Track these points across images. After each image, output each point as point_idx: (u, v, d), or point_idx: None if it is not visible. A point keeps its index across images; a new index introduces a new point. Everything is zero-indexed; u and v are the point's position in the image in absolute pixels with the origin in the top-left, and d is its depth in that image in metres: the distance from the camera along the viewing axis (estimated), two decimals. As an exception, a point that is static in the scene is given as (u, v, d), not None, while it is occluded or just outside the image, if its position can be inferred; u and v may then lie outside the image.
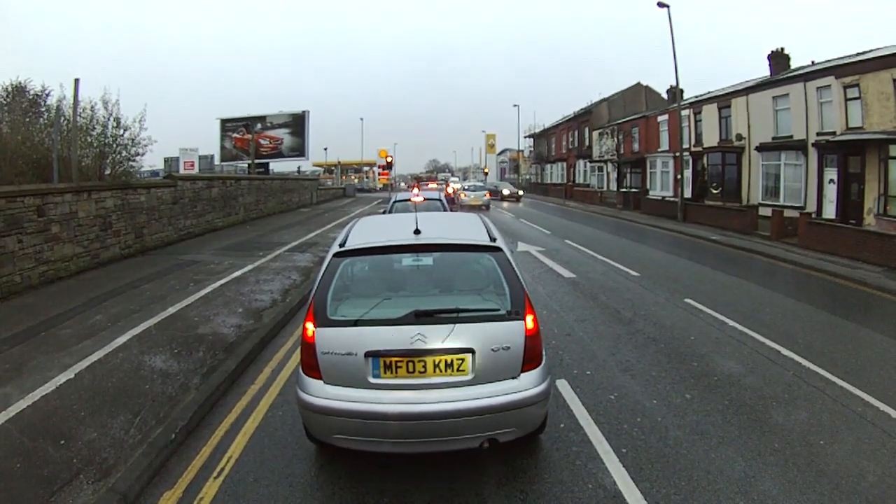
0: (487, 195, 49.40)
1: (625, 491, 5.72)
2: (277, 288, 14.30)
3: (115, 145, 20.62)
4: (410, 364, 5.51)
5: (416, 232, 6.32)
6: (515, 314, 5.76)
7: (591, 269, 18.32)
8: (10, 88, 20.88)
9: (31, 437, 6.57)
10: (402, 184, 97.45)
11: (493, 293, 6.09)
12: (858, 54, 27.36)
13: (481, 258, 6.50)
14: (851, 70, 25.86)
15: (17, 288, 13.44)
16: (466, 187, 54.97)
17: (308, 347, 5.71)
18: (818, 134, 28.11)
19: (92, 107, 20.03)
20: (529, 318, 5.77)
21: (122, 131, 20.76)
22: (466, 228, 7.14)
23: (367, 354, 5.49)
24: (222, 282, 14.81)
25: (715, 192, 36.19)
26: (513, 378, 5.61)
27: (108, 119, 20.31)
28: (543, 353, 5.94)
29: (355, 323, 5.67)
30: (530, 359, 5.70)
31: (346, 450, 5.83)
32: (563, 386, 8.30)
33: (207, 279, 15.08)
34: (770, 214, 27.69)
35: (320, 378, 5.64)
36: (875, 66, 24.53)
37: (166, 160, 60.82)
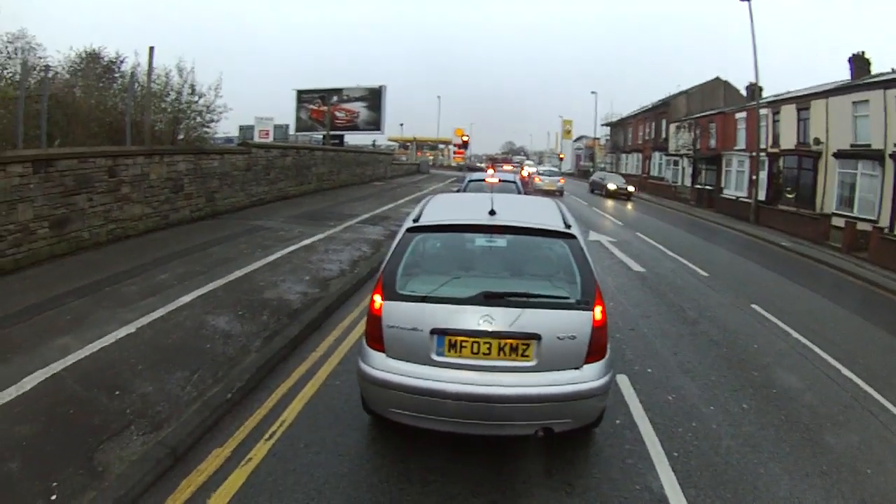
0: (562, 181, 47.84)
1: (671, 496, 5.74)
2: (346, 258, 14.45)
3: (189, 111, 20.95)
4: (475, 345, 5.46)
5: (492, 213, 6.27)
6: (585, 304, 5.66)
7: (660, 264, 18.16)
8: (83, 55, 21.26)
9: (86, 387, 6.74)
10: (478, 163, 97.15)
11: (564, 281, 5.99)
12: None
13: (554, 244, 6.37)
14: None
15: (85, 244, 13.85)
16: (541, 172, 53.32)
17: (374, 320, 5.70)
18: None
19: (167, 73, 20.41)
20: (598, 310, 5.66)
21: (196, 98, 21.08)
22: (541, 213, 6.99)
23: (433, 332, 5.48)
24: (291, 249, 15.02)
25: (789, 196, 35.21)
26: (576, 368, 5.55)
27: (183, 86, 20.65)
28: (608, 345, 5.84)
29: (423, 299, 5.64)
30: (595, 350, 5.61)
31: (400, 425, 5.87)
32: (622, 381, 8.31)
33: (276, 245, 15.30)
34: (842, 225, 26.93)
35: (383, 351, 5.64)
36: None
37: (241, 128, 61.04)
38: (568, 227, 6.38)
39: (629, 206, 41.36)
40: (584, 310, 5.64)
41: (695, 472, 6.24)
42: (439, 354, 5.51)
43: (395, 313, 5.62)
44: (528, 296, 5.67)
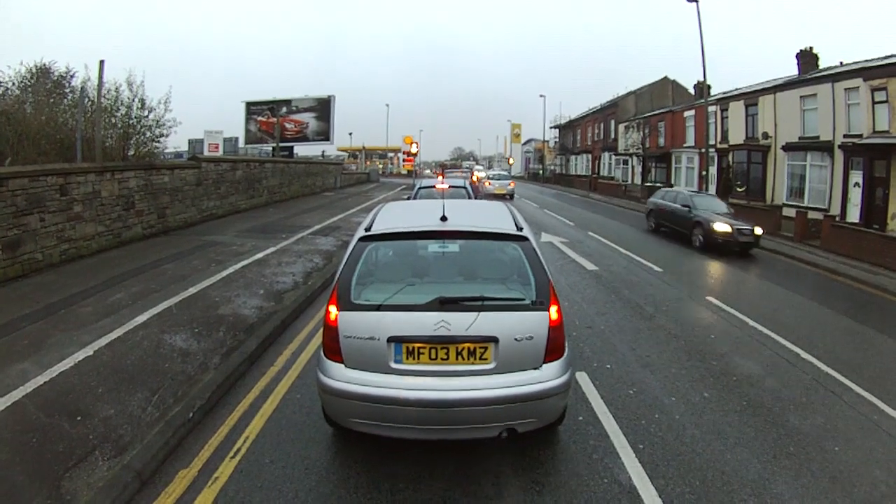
0: (512, 184, 48.52)
1: (640, 487, 5.74)
2: (299, 270, 14.32)
3: (139, 126, 20.81)
4: (433, 351, 5.46)
5: (443, 219, 6.26)
6: (540, 304, 5.71)
7: (613, 262, 18.25)
8: (34, 70, 20.91)
9: (48, 413, 6.60)
10: (427, 170, 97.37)
11: (518, 283, 6.04)
12: (887, 57, 26.83)
13: (507, 247, 6.45)
14: (880, 73, 25.45)
15: (38, 265, 13.51)
16: (491, 176, 53.74)
17: (330, 331, 5.67)
18: (845, 136, 27.69)
19: (117, 88, 20.26)
20: (553, 309, 5.71)
21: (146, 112, 20.98)
22: (493, 217, 7.03)
23: (390, 340, 5.46)
24: (244, 263, 14.83)
25: (740, 189, 35.78)
26: (535, 368, 5.58)
27: (133, 100, 20.56)
28: (566, 344, 5.90)
29: (379, 308, 5.63)
30: (553, 350, 5.65)
31: (363, 435, 5.81)
32: (582, 378, 8.31)
33: (229, 260, 15.11)
34: (793, 215, 27.52)
35: (342, 362, 5.62)
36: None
37: (191, 142, 60.40)
38: (520, 229, 6.44)
39: (580, 208, 41.50)
40: (539, 310, 5.69)
41: (661, 463, 6.25)
42: (397, 362, 5.49)
43: (352, 323, 5.60)
44: (484, 299, 5.68)
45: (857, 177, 26.78)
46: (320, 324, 8.09)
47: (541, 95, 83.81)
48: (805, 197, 30.69)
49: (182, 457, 6.16)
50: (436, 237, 6.33)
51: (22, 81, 20.46)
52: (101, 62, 18.12)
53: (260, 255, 15.95)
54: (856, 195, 26.77)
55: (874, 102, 25.77)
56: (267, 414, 7.18)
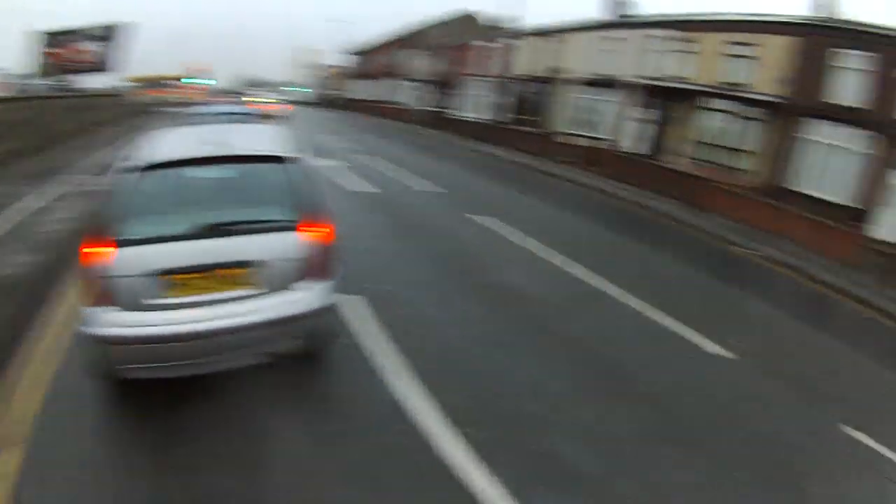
0: (290, 108, 49.23)
1: (412, 400, 5.92)
2: (68, 216, 12.39)
3: None
4: (201, 280, 5.32)
5: (209, 144, 6.08)
6: (305, 225, 5.67)
7: (395, 185, 18.50)
8: None
9: None
10: (220, 98, 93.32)
11: (283, 205, 5.86)
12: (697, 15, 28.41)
13: (274, 169, 6.13)
14: (682, 27, 27.42)
15: None
16: (268, 99, 52.86)
17: (90, 273, 5.17)
18: (637, 76, 29.15)
19: None
20: (320, 230, 5.72)
21: None
22: (260, 139, 6.88)
23: (153, 274, 5.17)
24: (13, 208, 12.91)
25: (525, 118, 37.33)
26: (301, 290, 5.62)
27: None
28: (333, 264, 5.93)
29: (143, 241, 5.26)
30: (319, 270, 5.72)
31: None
32: (358, 301, 8.29)
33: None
34: (576, 143, 29.38)
35: (108, 305, 5.16)
36: (708, 28, 26.15)
37: None
38: (287, 150, 6.31)
39: (369, 134, 41.45)
40: (304, 231, 5.66)
41: (443, 378, 6.45)
42: (164, 297, 5.24)
43: (113, 262, 5.15)
44: (247, 223, 5.59)
45: (643, 114, 28.69)
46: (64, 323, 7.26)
47: (333, 21, 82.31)
48: (592, 129, 32.02)
49: None
50: (202, 163, 5.99)
51: None
52: None
53: (30, 202, 13.76)
54: (641, 130, 28.72)
55: (669, 51, 27.75)
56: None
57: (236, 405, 5.80)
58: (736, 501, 5.28)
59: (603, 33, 32.71)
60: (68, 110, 32.76)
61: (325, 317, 5.82)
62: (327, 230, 5.79)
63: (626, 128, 29.60)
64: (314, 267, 5.69)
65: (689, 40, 26.88)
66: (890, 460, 6.39)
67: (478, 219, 14.36)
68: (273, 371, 5.91)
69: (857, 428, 6.78)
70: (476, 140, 36.57)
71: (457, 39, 56.14)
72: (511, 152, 31.32)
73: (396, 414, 5.74)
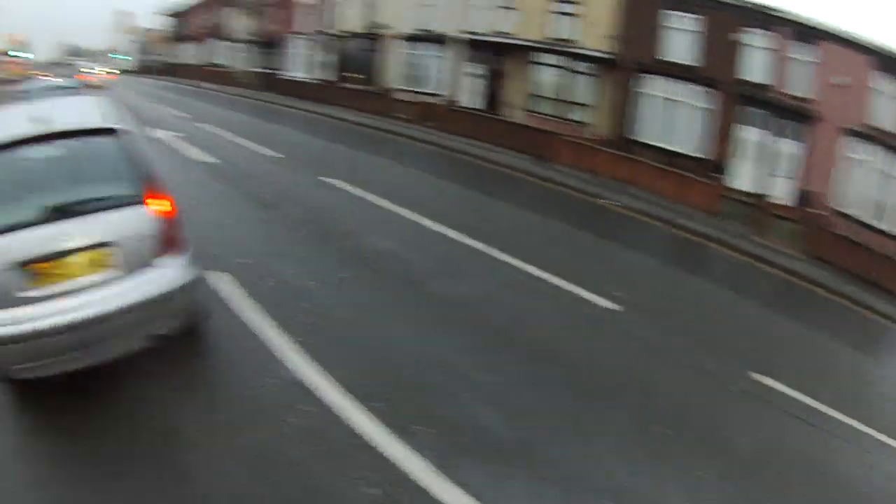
0: (108, 75, 48.69)
1: (306, 378, 5.56)
2: None
3: None
4: (53, 268, 4.91)
5: (34, 121, 5.44)
6: (146, 199, 5.37)
7: (232, 153, 17.29)
8: None
9: None
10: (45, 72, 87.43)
11: (126, 178, 5.48)
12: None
13: (104, 143, 5.69)
14: None
15: None
16: (87, 70, 50.09)
17: None
18: (463, 32, 28.97)
19: None
20: (163, 202, 5.45)
21: None
22: (90, 112, 6.31)
23: (10, 266, 4.74)
24: None
25: (355, 76, 36.40)
26: (159, 267, 5.31)
27: None
28: (185, 237, 5.68)
29: None
30: (171, 244, 5.45)
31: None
32: (219, 278, 7.68)
33: None
34: (409, 99, 28.94)
35: None
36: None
37: None
38: (115, 122, 5.84)
39: (193, 99, 39.64)
40: (147, 205, 5.36)
41: (323, 349, 6.05)
42: (22, 290, 4.79)
43: None
44: (90, 201, 5.23)
45: (477, 69, 28.70)
46: None
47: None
48: (423, 84, 31.82)
49: None
50: (29, 143, 5.38)
51: None
52: None
53: None
54: (476, 85, 28.75)
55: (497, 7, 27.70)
56: None
57: (128, 399, 5.45)
58: (657, 453, 5.41)
59: None
60: None
61: (194, 291, 5.64)
62: (170, 202, 5.54)
63: (460, 83, 29.50)
64: (167, 241, 5.44)
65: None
66: (794, 399, 6.99)
67: (325, 181, 13.76)
68: (158, 359, 5.58)
69: (762, 372, 7.27)
70: (307, 100, 35.12)
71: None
72: (345, 111, 30.30)
73: (297, 393, 5.41)
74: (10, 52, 63.26)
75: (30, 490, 4.51)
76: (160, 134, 20.78)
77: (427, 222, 10.69)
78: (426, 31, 31.34)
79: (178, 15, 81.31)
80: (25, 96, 17.27)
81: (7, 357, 4.83)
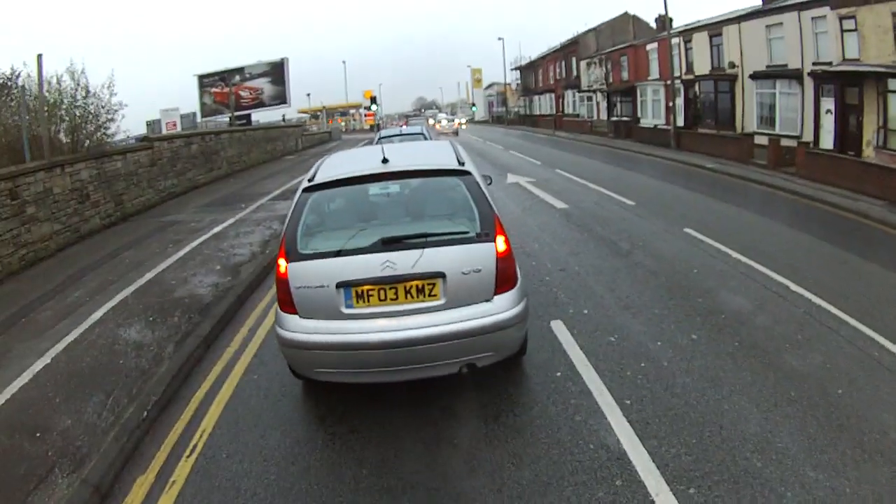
0: (456, 124, 63.42)
1: (630, 451, 5.07)
2: (257, 240, 13.62)
3: (85, 115, 19.31)
4: (382, 292, 5.47)
5: (384, 161, 6.13)
6: (485, 236, 5.66)
7: (584, 198, 17.40)
8: None
9: (9, 434, 6.08)
10: (391, 123, 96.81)
11: (463, 217, 5.93)
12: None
13: (449, 182, 6.31)
14: (847, 2, 24.41)
15: None
16: (439, 119, 66.54)
17: (282, 283, 5.67)
18: (814, 64, 26.54)
19: (58, 79, 18.71)
20: (500, 240, 5.66)
21: (90, 100, 19.38)
22: (435, 154, 7.07)
23: (339, 285, 5.46)
24: (202, 239, 14.02)
25: (708, 119, 34.93)
26: (486, 301, 5.56)
27: (77, 90, 18.97)
28: (518, 274, 5.87)
29: (325, 255, 5.62)
30: (503, 280, 5.62)
31: (324, 417, 5.87)
32: (558, 327, 7.62)
33: (186, 238, 14.25)
34: (766, 143, 26.51)
35: (296, 312, 5.61)
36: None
37: (148, 123, 59.29)
38: (461, 164, 6.34)
39: (546, 147, 40.63)
40: (485, 241, 5.65)
41: (652, 420, 5.57)
42: (349, 307, 5.49)
43: (301, 273, 5.59)
44: (427, 235, 5.63)
45: (828, 104, 25.66)
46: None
47: (499, 38, 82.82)
48: (776, 125, 29.51)
49: (139, 462, 5.65)
50: (377, 179, 6.25)
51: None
52: (39, 56, 16.61)
53: (218, 229, 15.09)
54: (828, 122, 25.68)
55: (843, 31, 24.61)
56: (223, 402, 6.61)
57: (429, 452, 5.51)
58: None
59: (766, 20, 30.00)
60: (248, 143, 34.42)
61: (513, 329, 5.71)
62: (506, 242, 5.74)
63: (814, 121, 26.46)
64: (498, 279, 5.62)
65: (847, 16, 23.82)
66: None
67: (679, 230, 13.04)
68: (471, 395, 5.98)
69: None
70: (661, 147, 34.30)
71: (620, 41, 54.65)
72: (700, 157, 28.94)
73: (610, 463, 5.02)
74: (366, 107, 71.81)
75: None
76: (512, 179, 21.64)
77: (784, 280, 9.47)
78: (776, 66, 29.09)
79: (525, 68, 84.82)
80: (383, 140, 19.47)
81: (319, 361, 5.60)
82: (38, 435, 5.96)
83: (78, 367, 7.51)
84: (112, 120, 20.33)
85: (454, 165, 6.29)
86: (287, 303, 5.66)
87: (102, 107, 19.73)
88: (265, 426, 6.04)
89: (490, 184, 11.00)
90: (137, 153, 20.27)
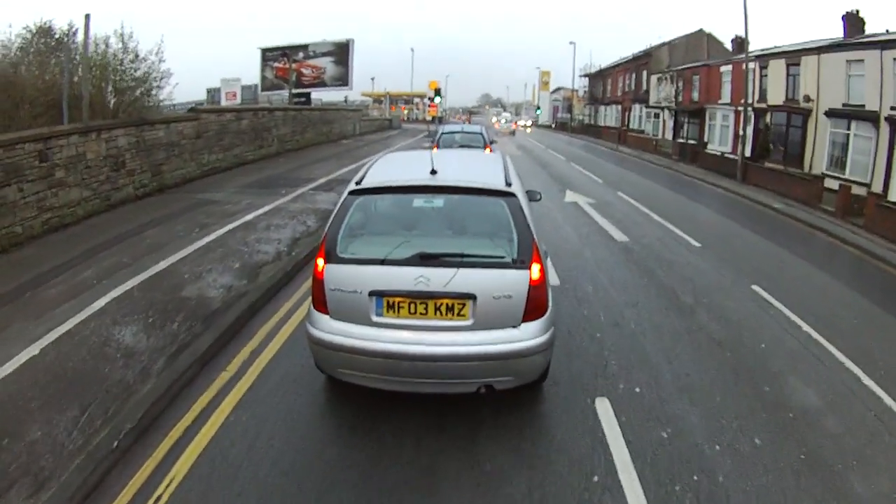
0: (514, 125, 75.47)
1: None
2: (287, 236, 13.00)
3: (130, 80, 18.94)
4: (412, 305, 5.64)
5: (433, 172, 6.34)
6: (521, 263, 5.74)
7: (646, 232, 16.32)
8: (34, 29, 18.89)
9: None
10: (455, 116, 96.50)
11: (503, 239, 5.97)
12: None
13: (493, 203, 6.30)
14: None
15: (18, 239, 12.25)
16: (499, 118, 77.56)
17: (318, 283, 5.91)
18: (892, 108, 24.69)
19: (106, 41, 18.46)
20: (535, 268, 5.73)
21: (138, 65, 19.07)
22: (484, 171, 7.12)
23: (372, 293, 5.65)
24: (231, 227, 13.56)
25: (778, 155, 33.16)
26: (513, 327, 5.68)
27: (124, 54, 18.71)
28: (549, 303, 5.94)
29: (362, 262, 5.82)
30: (533, 309, 5.72)
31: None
32: (604, 409, 6.69)
33: (215, 224, 13.82)
34: (836, 188, 24.73)
35: (327, 313, 5.85)
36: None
37: (209, 91, 60.03)
38: (508, 184, 6.41)
39: (609, 162, 39.40)
40: (520, 268, 5.72)
41: None
42: (378, 315, 5.69)
43: (337, 276, 5.80)
44: (464, 255, 5.77)
45: None
46: (293, 310, 8.32)
47: (570, 42, 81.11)
48: (847, 168, 27.70)
49: (100, 499, 5.12)
50: (423, 191, 6.38)
51: (23, 43, 18.58)
52: (87, 16, 16.62)
53: (250, 217, 14.59)
54: None
55: None
56: (201, 445, 5.86)
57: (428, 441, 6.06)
58: None
59: (847, 55, 28.31)
60: (304, 123, 34.18)
61: (538, 357, 5.83)
62: (541, 270, 5.82)
63: (883, 169, 24.64)
64: (530, 305, 5.71)
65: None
66: None
67: (742, 286, 11.93)
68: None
69: None
70: (727, 177, 32.72)
71: (693, 59, 53.04)
72: (766, 195, 27.33)
73: None
74: (430, 97, 71.07)
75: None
76: (571, 197, 20.70)
77: (855, 370, 8.27)
78: (853, 106, 27.27)
79: (594, 76, 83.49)
80: (450, 138, 22.45)
81: (343, 362, 5.82)
82: (5, 442, 5.62)
83: (64, 366, 7.11)
84: (159, 87, 20.05)
85: (501, 186, 6.35)
86: (321, 302, 5.88)
87: (149, 73, 19.36)
88: (240, 490, 5.27)
89: (539, 199, 10.82)
90: (182, 123, 20.03)
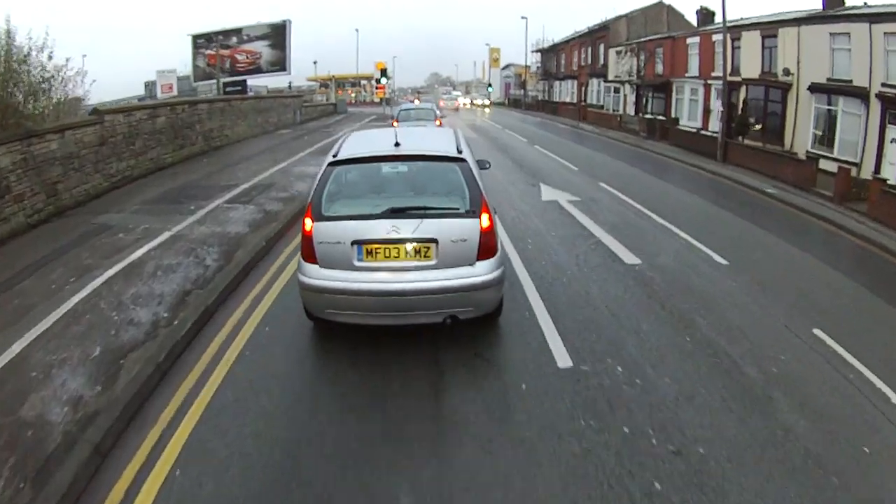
0: (456, 103, 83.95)
1: None
2: (174, 289, 9.29)
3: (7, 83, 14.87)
4: (387, 250, 6.74)
5: (396, 145, 7.40)
6: (472, 213, 6.90)
7: (655, 245, 12.74)
8: None
9: None
10: (404, 98, 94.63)
11: (457, 195, 7.13)
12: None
13: (449, 167, 7.45)
14: None
15: None
16: (443, 95, 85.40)
17: (307, 239, 6.90)
18: (883, 85, 22.80)
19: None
20: (485, 217, 6.86)
21: (23, 67, 15.15)
22: (439, 142, 8.21)
23: (353, 243, 6.69)
24: (113, 271, 10.01)
25: (755, 129, 30.78)
26: (470, 265, 6.78)
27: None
28: (498, 246, 7.09)
29: (343, 218, 6.89)
30: (485, 250, 6.83)
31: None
32: None
33: (98, 267, 10.24)
34: (833, 170, 21.91)
35: (316, 263, 6.85)
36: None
37: (146, 84, 58.39)
38: (459, 152, 7.54)
39: (575, 143, 36.24)
40: (472, 217, 6.87)
41: None
42: (360, 260, 6.74)
43: (323, 231, 6.80)
44: (426, 209, 6.93)
45: (895, 132, 22.29)
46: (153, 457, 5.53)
47: (522, 17, 78.95)
48: (834, 147, 25.65)
49: None
50: (390, 160, 7.58)
51: None
52: None
53: (140, 252, 11.02)
54: (892, 153, 22.24)
55: None
56: None
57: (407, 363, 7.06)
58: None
59: (830, 27, 26.27)
60: (234, 115, 31.16)
61: (490, 290, 6.88)
62: (489, 218, 6.89)
63: (874, 148, 23.23)
64: (482, 248, 6.80)
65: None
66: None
67: (806, 334, 8.66)
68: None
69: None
70: (698, 154, 30.16)
71: (652, 32, 50.71)
72: (748, 174, 24.70)
73: None
74: (377, 79, 67.34)
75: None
76: (548, 194, 17.29)
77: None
78: (838, 81, 25.19)
79: (547, 51, 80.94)
80: (406, 114, 26.98)
81: (330, 303, 6.85)
82: None
83: None
84: (48, 88, 16.20)
85: (453, 153, 7.51)
86: (310, 255, 6.86)
87: (43, 73, 15.74)
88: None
89: (489, 168, 11.35)
90: (80, 130, 16.14)
